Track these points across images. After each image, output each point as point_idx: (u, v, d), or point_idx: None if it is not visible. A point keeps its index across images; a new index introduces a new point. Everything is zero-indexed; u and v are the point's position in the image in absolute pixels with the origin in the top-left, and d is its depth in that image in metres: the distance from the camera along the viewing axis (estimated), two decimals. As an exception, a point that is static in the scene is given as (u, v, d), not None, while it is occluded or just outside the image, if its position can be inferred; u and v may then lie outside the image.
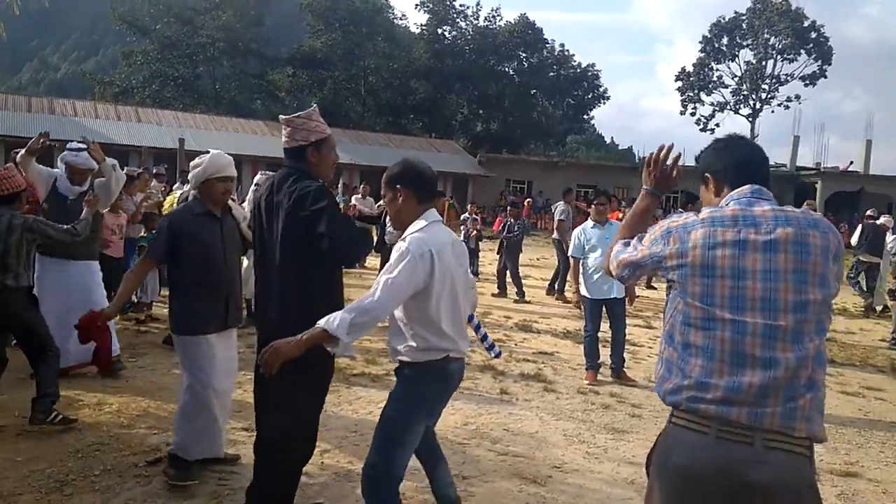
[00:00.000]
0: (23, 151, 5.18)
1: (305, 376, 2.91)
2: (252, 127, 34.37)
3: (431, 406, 2.92)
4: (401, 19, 51.96)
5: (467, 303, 2.96)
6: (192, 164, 3.71)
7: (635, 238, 2.18)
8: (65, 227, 4.52)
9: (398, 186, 2.78)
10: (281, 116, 3.10)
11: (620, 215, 9.87)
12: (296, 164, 2.99)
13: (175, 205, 8.08)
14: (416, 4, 48.72)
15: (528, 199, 26.75)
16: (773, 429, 1.82)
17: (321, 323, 2.46)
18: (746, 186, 2.07)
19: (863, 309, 11.60)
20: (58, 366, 4.46)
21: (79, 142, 5.43)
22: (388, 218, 3.28)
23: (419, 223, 2.73)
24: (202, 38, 43.68)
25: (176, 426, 3.70)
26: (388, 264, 2.60)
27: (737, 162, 2.15)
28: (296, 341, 2.47)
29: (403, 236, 2.72)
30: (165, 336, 6.35)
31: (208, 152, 3.71)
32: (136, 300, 7.72)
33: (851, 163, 39.44)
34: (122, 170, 9.03)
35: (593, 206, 6.58)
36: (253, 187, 6.82)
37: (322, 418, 3.28)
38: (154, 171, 11.36)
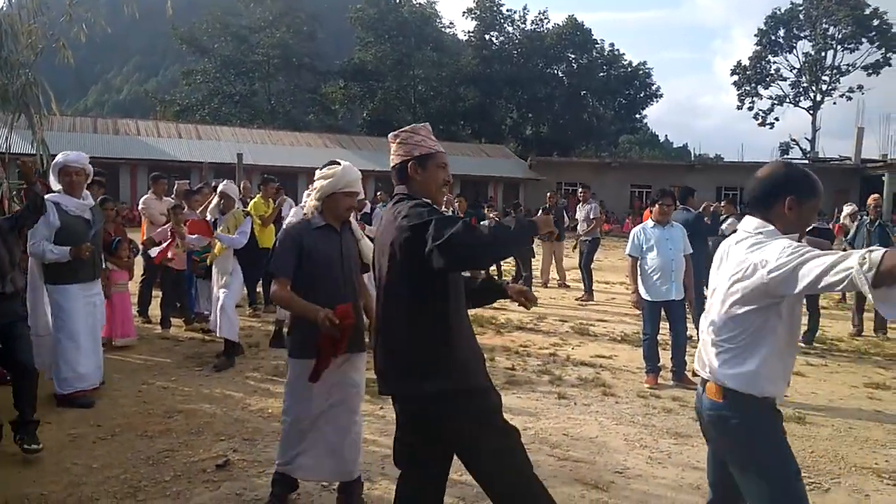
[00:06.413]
0: None
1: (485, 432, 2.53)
2: (306, 140, 35.14)
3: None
4: (448, 27, 52.44)
5: None
6: (318, 174, 3.44)
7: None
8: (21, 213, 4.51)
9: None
10: (390, 134, 2.77)
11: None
12: (399, 185, 2.67)
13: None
14: (464, 12, 49.18)
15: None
16: None
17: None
18: None
19: None
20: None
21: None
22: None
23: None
24: (258, 55, 45.03)
25: (279, 445, 3.62)
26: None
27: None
28: None
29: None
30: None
31: (339, 163, 3.46)
32: (196, 310, 7.96)
33: None
34: (183, 185, 9.40)
35: (657, 206, 6.37)
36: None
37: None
38: (213, 184, 11.72)
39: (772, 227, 2.39)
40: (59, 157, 5.13)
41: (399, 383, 2.56)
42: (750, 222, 2.45)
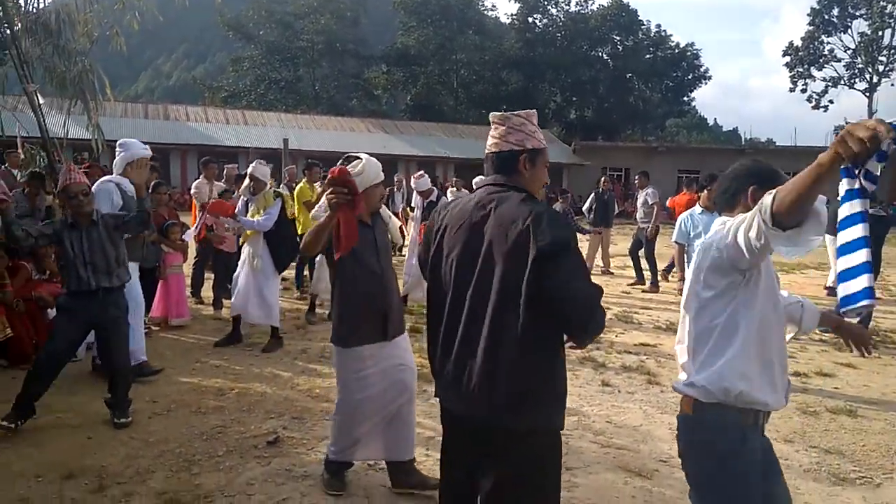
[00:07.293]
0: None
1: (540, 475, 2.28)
2: (350, 125, 35.41)
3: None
4: (491, 10, 52.10)
5: None
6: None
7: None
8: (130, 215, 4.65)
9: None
10: (493, 114, 2.40)
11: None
12: (504, 174, 2.31)
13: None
14: (507, -5, 48.60)
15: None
16: None
17: None
18: None
19: None
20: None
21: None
22: None
23: None
24: (303, 41, 45.53)
25: (331, 432, 3.67)
26: None
27: None
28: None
29: None
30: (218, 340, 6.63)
31: (359, 157, 3.41)
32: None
33: None
34: (232, 169, 9.60)
35: (706, 191, 6.24)
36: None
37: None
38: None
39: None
40: (139, 150, 5.26)
41: (493, 412, 2.19)
42: (718, 221, 2.39)
